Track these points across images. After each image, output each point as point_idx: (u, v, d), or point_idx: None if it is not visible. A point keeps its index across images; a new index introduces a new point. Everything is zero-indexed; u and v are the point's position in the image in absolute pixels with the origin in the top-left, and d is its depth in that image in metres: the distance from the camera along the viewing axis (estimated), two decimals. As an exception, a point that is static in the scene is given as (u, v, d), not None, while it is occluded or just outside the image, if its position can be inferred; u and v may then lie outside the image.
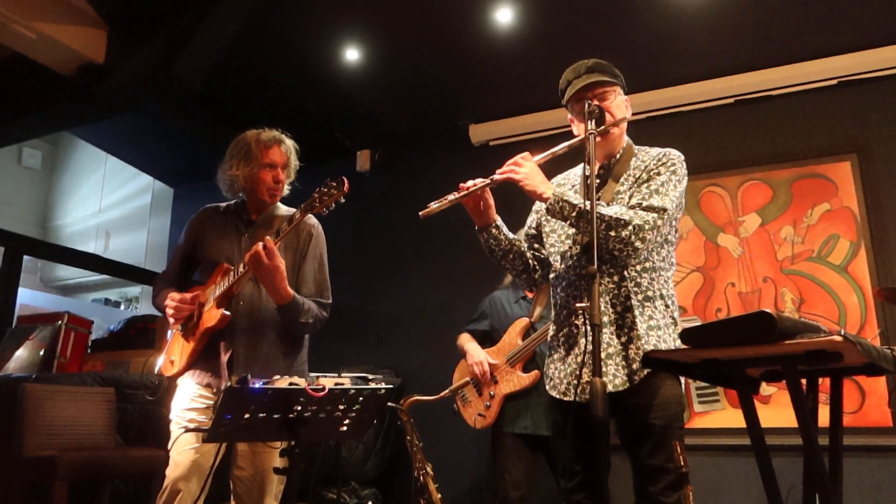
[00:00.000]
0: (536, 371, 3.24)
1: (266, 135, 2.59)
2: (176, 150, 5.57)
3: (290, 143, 2.63)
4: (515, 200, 2.44)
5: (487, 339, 3.50)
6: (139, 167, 6.21)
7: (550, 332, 2.24)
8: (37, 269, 8.05)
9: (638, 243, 1.95)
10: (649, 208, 1.98)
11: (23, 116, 4.55)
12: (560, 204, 1.98)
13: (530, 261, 2.29)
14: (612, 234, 1.93)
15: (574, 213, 1.96)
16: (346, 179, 2.26)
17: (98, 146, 6.02)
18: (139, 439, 3.74)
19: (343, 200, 2.27)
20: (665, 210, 1.98)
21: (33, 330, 4.59)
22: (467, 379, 3.43)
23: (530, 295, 3.45)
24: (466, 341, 3.50)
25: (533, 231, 2.34)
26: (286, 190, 2.64)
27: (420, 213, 2.09)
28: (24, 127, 4.82)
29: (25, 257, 5.45)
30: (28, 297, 6.89)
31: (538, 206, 2.35)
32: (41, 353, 4.44)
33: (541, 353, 3.25)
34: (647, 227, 1.94)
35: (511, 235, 2.27)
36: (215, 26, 3.85)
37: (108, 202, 7.73)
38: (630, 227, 1.93)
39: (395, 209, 4.91)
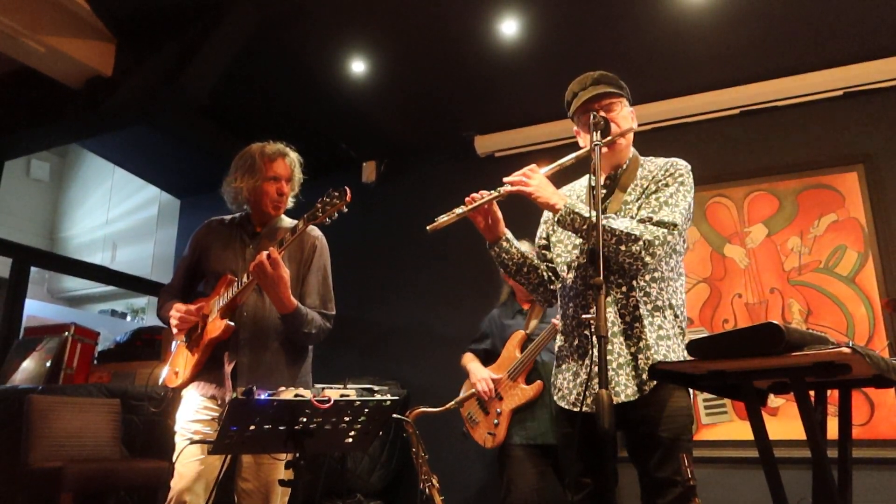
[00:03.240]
0: (539, 382, 3.23)
1: (270, 147, 2.59)
2: (183, 161, 5.60)
3: (294, 155, 2.63)
4: (520, 214, 2.45)
5: (490, 357, 3.49)
6: (146, 179, 6.24)
7: (558, 342, 2.23)
8: (44, 281, 8.09)
9: (648, 258, 1.95)
10: (660, 223, 1.98)
11: (31, 129, 4.58)
12: (571, 215, 1.98)
13: (545, 273, 2.28)
14: (623, 248, 1.94)
15: (585, 226, 1.96)
16: (348, 189, 2.26)
17: (105, 158, 6.05)
18: (144, 451, 3.74)
19: (346, 210, 2.27)
20: (675, 225, 1.99)
21: (40, 341, 4.60)
22: (473, 391, 3.42)
23: (526, 307, 3.45)
24: (469, 361, 3.52)
25: (544, 241, 2.34)
26: (290, 202, 2.65)
27: (428, 228, 2.09)
28: (32, 139, 4.85)
29: (33, 269, 5.47)
30: (35, 309, 6.91)
31: (546, 216, 2.35)
32: (48, 364, 4.45)
33: (542, 362, 3.25)
34: (657, 242, 1.95)
35: (523, 249, 2.26)
36: (222, 39, 3.88)
37: (115, 213, 7.77)
38: (641, 243, 1.93)
39: (401, 220, 4.92)
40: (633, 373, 1.98)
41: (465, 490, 4.25)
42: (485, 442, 3.36)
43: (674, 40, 3.81)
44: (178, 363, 2.53)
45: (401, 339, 4.86)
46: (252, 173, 2.54)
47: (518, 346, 3.34)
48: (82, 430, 3.52)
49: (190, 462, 2.33)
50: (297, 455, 1.92)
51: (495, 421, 3.32)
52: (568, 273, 2.17)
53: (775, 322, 1.49)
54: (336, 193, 2.27)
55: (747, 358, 1.58)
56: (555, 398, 2.17)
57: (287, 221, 2.64)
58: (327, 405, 1.87)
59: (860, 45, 3.78)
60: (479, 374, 3.38)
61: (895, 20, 3.60)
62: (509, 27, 3.79)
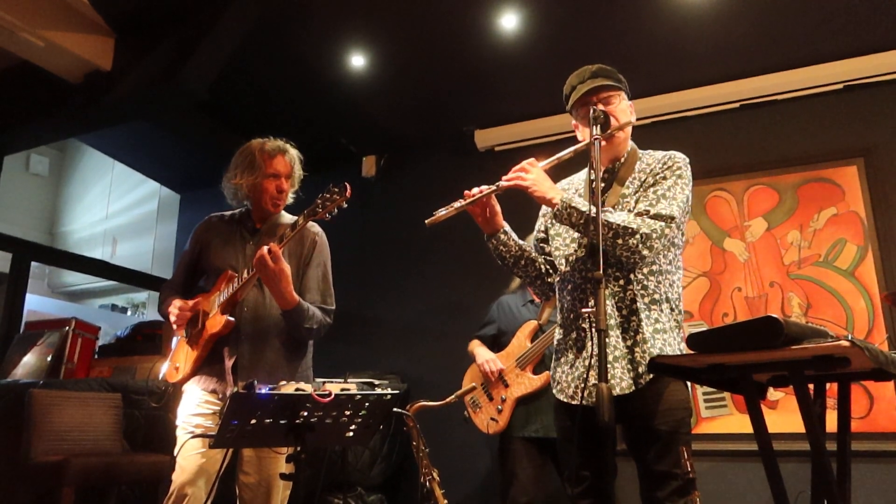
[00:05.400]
0: (547, 373, 3.23)
1: (270, 144, 2.59)
2: (182, 156, 5.60)
3: (294, 152, 2.63)
4: (520, 206, 2.45)
5: (496, 343, 3.51)
6: (146, 173, 6.24)
7: (557, 336, 2.23)
8: (44, 276, 8.08)
9: (645, 251, 1.95)
10: (657, 216, 1.97)
11: (31, 123, 4.58)
12: (568, 210, 1.97)
13: (542, 266, 2.29)
14: (620, 241, 1.93)
15: (582, 220, 1.96)
16: (348, 185, 2.26)
17: (105, 153, 6.04)
18: (146, 445, 3.75)
19: (346, 206, 2.28)
20: (673, 218, 1.98)
21: (41, 336, 4.61)
22: (473, 384, 3.42)
23: (538, 299, 3.45)
24: (475, 346, 3.53)
25: (542, 235, 2.34)
26: (290, 199, 2.65)
27: (426, 222, 2.09)
28: (31, 134, 4.85)
29: (33, 263, 5.47)
30: (35, 304, 6.92)
31: (545, 209, 2.35)
32: (48, 358, 4.46)
33: (550, 355, 3.25)
34: (654, 235, 1.94)
35: (521, 242, 2.26)
36: (221, 34, 3.87)
37: (114, 208, 7.76)
38: (637, 236, 1.93)
39: (401, 214, 4.91)
40: (629, 366, 1.98)
41: (466, 484, 4.26)
42: (487, 427, 3.36)
43: (674, 34, 3.80)
44: (178, 358, 2.53)
45: (401, 333, 4.86)
46: (252, 170, 2.55)
47: (529, 337, 3.35)
48: (83, 424, 3.53)
49: (191, 456, 2.34)
50: (298, 449, 1.93)
51: (499, 407, 3.33)
52: (566, 266, 2.18)
53: (774, 315, 1.49)
54: (336, 189, 2.27)
55: (747, 351, 1.59)
56: (553, 391, 2.18)
57: (287, 217, 2.64)
58: (328, 399, 1.88)
59: (860, 39, 3.78)
60: (485, 356, 3.40)
61: (895, 14, 3.59)
62: (509, 21, 3.79)
